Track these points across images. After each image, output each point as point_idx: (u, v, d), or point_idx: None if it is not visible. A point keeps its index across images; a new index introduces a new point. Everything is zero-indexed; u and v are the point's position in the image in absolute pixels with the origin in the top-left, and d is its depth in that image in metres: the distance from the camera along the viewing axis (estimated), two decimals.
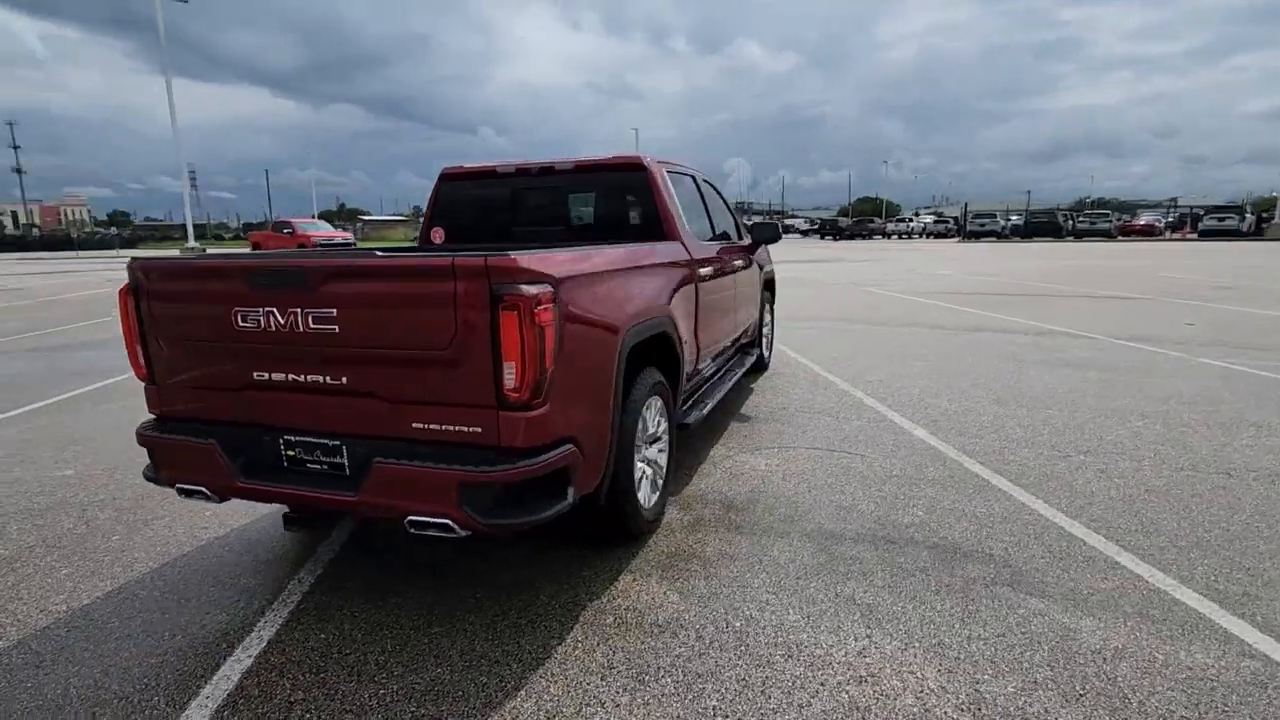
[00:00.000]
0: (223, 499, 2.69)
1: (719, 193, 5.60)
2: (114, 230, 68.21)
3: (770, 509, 3.56)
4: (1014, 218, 50.24)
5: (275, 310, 2.46)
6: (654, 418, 3.37)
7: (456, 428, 2.36)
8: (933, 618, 2.57)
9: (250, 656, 2.44)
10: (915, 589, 2.77)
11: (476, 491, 2.28)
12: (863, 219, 59.97)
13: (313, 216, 44.36)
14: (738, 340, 5.67)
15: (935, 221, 56.72)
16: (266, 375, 2.55)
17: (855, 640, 2.45)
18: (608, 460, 2.79)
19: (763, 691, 2.20)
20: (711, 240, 4.79)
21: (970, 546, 3.11)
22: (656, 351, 3.45)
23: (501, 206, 4.41)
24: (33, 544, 3.34)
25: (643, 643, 2.46)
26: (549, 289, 2.32)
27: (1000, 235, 44.56)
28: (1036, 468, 4.03)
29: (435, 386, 2.35)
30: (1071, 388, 5.85)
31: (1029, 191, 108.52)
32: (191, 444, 2.64)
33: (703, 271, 4.13)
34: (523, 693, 2.22)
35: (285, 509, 3.26)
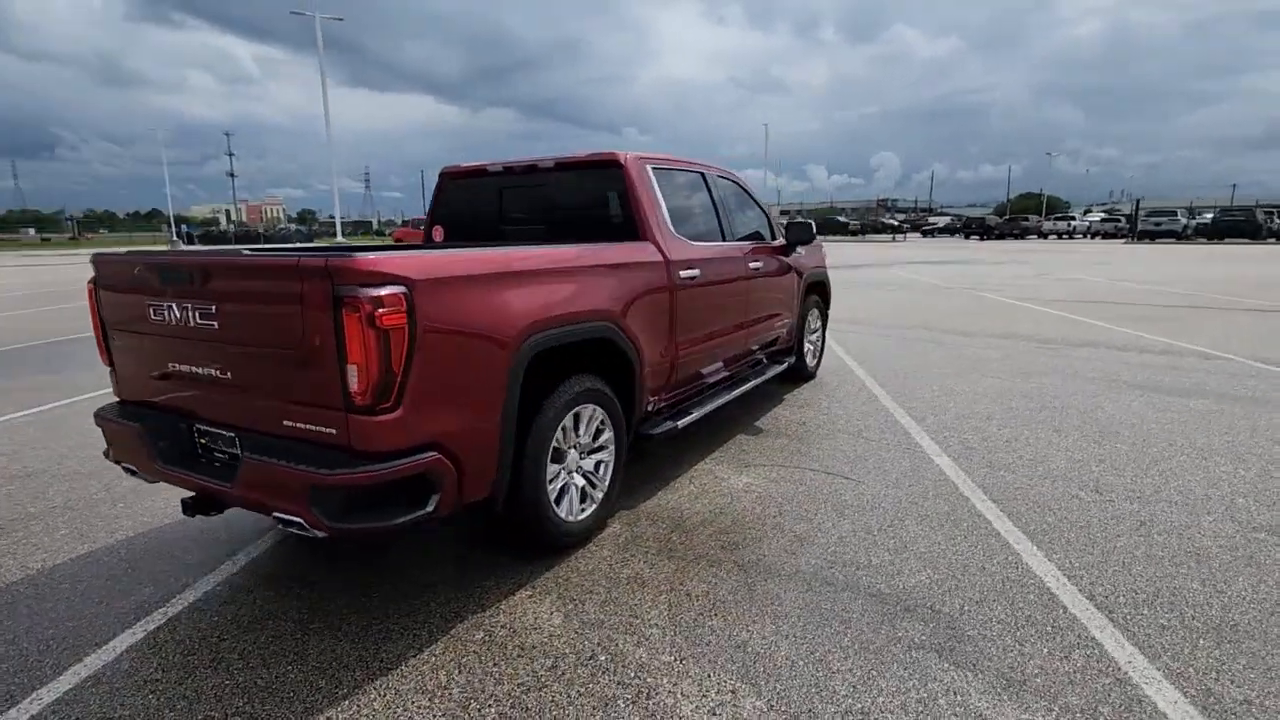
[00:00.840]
0: (152, 480, 2.87)
1: (748, 192, 5.28)
2: (293, 226, 76.88)
3: (719, 533, 3.29)
4: (1204, 215, 43.90)
5: (174, 305, 2.58)
6: (588, 427, 3.22)
7: (316, 428, 2.36)
8: (822, 679, 2.24)
9: (145, 631, 2.59)
10: (824, 642, 2.43)
11: (324, 494, 2.26)
12: (1015, 217, 54.83)
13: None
14: (764, 346, 5.34)
15: (1103, 220, 50.80)
16: (178, 367, 2.69)
17: (717, 693, 2.19)
18: (500, 469, 2.68)
19: None
20: (721, 241, 4.52)
21: (919, 599, 2.69)
22: (598, 357, 3.30)
23: (492, 205, 4.41)
24: (58, 505, 3.76)
25: (494, 665, 2.34)
26: (400, 291, 2.25)
27: (1180, 236, 39.07)
28: (1059, 512, 3.43)
29: (297, 386, 2.36)
30: (1160, 418, 4.95)
31: (1234, 185, 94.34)
32: (122, 427, 2.84)
33: (685, 274, 3.89)
34: (345, 703, 2.18)
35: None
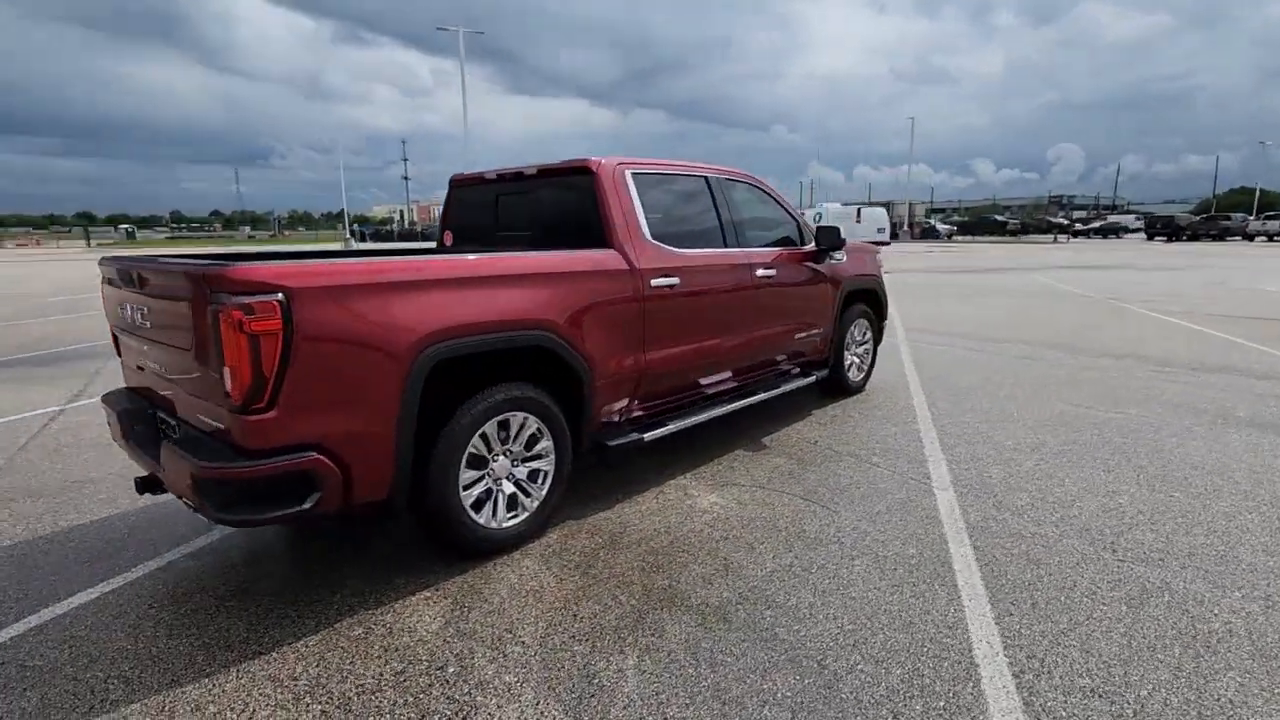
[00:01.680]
0: (130, 457, 3.24)
1: (773, 196, 5.02)
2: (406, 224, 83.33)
3: (650, 553, 3.16)
4: None
5: (129, 304, 2.90)
6: (520, 435, 3.21)
7: (214, 423, 2.56)
8: (646, 708, 2.10)
9: (100, 592, 2.93)
10: (677, 685, 2.27)
11: (207, 485, 2.44)
12: (1215, 216, 47.46)
13: None
14: (793, 357, 5.05)
15: None
16: (142, 359, 3.02)
17: (539, 718, 2.11)
18: (398, 473, 2.75)
19: None
20: (723, 248, 4.33)
21: (811, 651, 2.43)
22: (536, 365, 3.28)
23: (488, 211, 4.51)
24: (81, 480, 4.29)
25: (350, 663, 2.41)
26: (274, 299, 2.37)
27: None
28: (1045, 568, 2.96)
29: (200, 383, 2.57)
30: (1254, 464, 4.10)
31: None
32: (109, 410, 3.23)
33: (660, 282, 3.77)
34: (207, 680, 2.34)
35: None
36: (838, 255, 5.43)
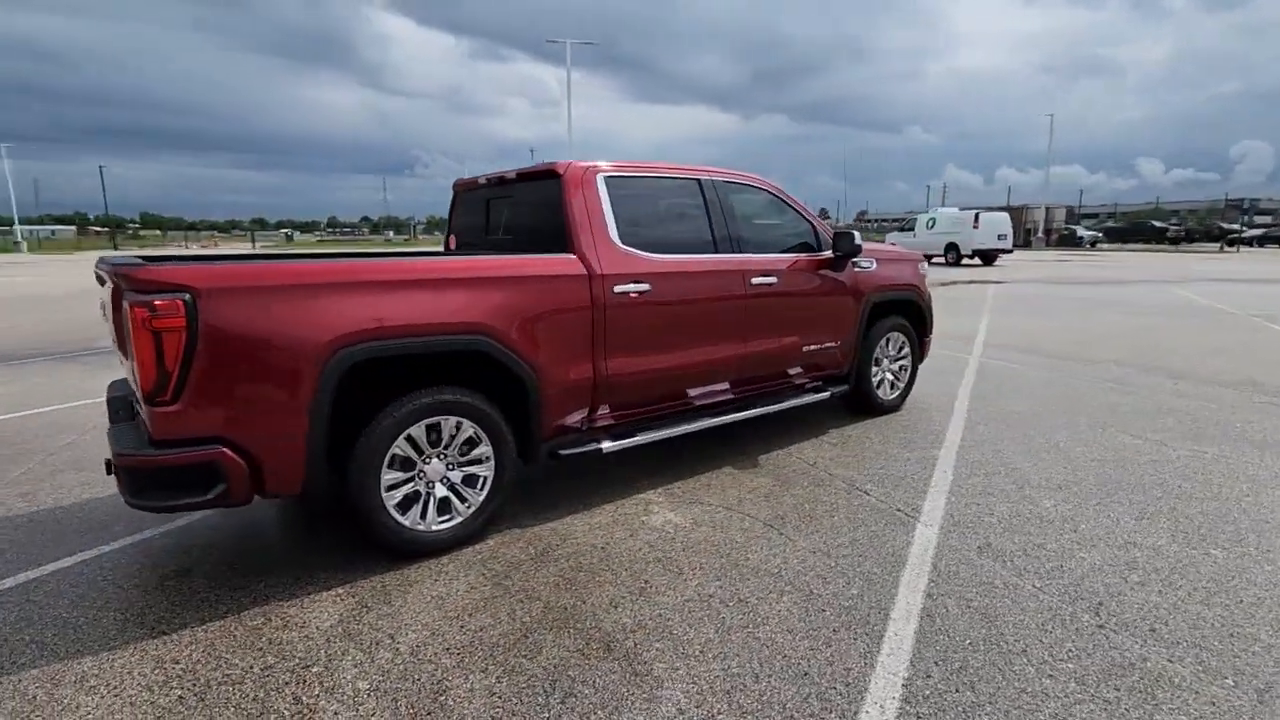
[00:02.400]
0: None
1: (786, 201, 4.73)
2: None
3: (574, 570, 3.05)
4: None
5: (102, 300, 3.17)
6: (453, 439, 3.20)
7: (141, 414, 2.73)
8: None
9: (72, 560, 3.21)
10: (517, 708, 2.16)
11: (120, 471, 2.61)
12: None
13: None
14: (808, 370, 4.75)
15: None
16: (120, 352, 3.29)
17: None
18: (311, 470, 2.82)
19: None
20: (712, 254, 4.13)
21: (668, 684, 2.23)
22: (475, 370, 3.26)
23: (481, 214, 4.55)
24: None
25: (231, 653, 2.48)
26: (178, 298, 2.50)
27: None
28: (995, 629, 2.56)
29: (132, 375, 2.75)
30: None
31: None
32: (107, 398, 3.55)
33: (624, 288, 3.65)
34: (105, 654, 2.49)
35: None
36: (864, 263, 5.04)
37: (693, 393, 4.24)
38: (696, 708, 2.16)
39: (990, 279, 18.93)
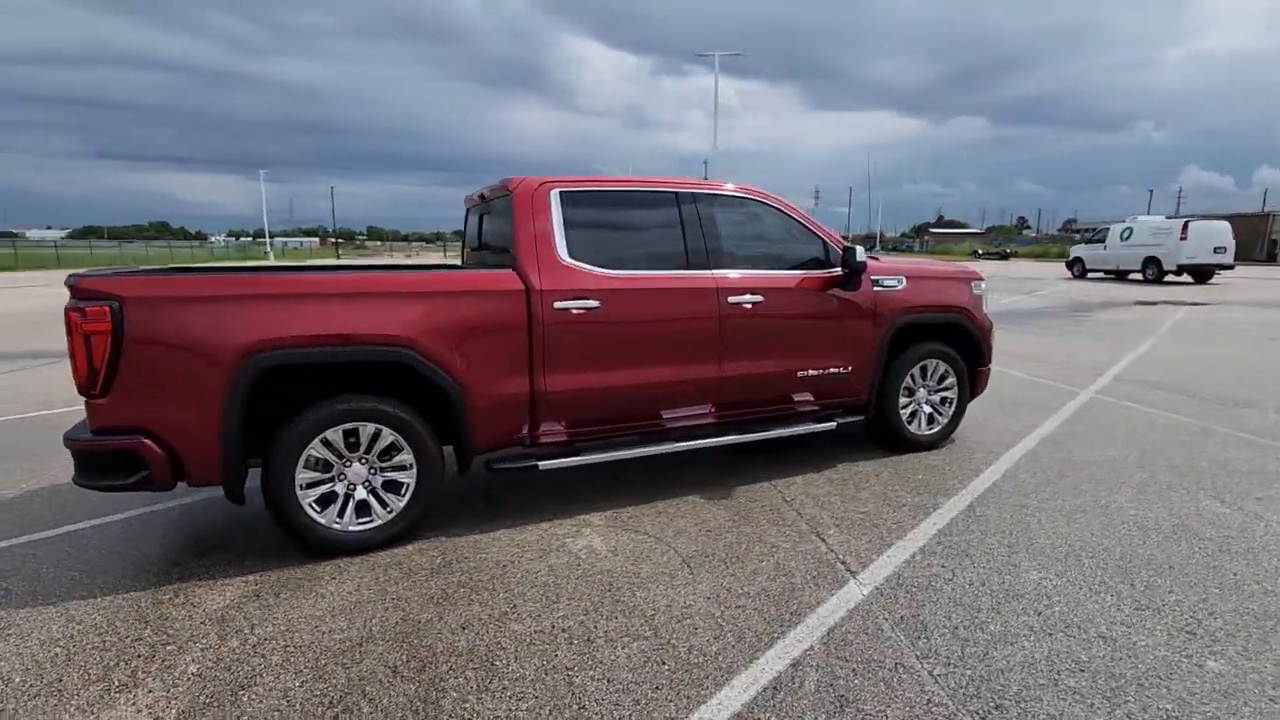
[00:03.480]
0: None
1: (787, 214, 4.38)
2: None
3: (458, 585, 3.04)
4: None
5: None
6: (373, 446, 3.33)
7: None
8: None
9: (43, 536, 3.77)
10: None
11: (72, 453, 3.03)
12: None
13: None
14: (820, 396, 4.41)
15: None
16: None
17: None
18: (225, 464, 3.07)
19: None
20: (683, 271, 3.95)
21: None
22: (401, 380, 3.36)
23: (475, 229, 4.69)
24: None
25: (111, 626, 2.75)
26: (105, 305, 2.85)
27: None
28: (851, 717, 2.17)
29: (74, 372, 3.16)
30: None
31: None
32: None
33: (566, 305, 3.60)
34: (8, 610, 2.90)
35: None
36: (888, 282, 4.53)
37: (667, 414, 4.07)
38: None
39: (1188, 300, 16.07)
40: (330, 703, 2.27)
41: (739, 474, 4.40)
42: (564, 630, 2.68)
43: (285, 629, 2.71)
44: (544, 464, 3.68)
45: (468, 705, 2.25)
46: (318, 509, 3.29)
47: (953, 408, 4.93)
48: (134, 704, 2.28)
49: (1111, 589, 2.92)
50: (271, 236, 77.37)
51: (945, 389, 4.89)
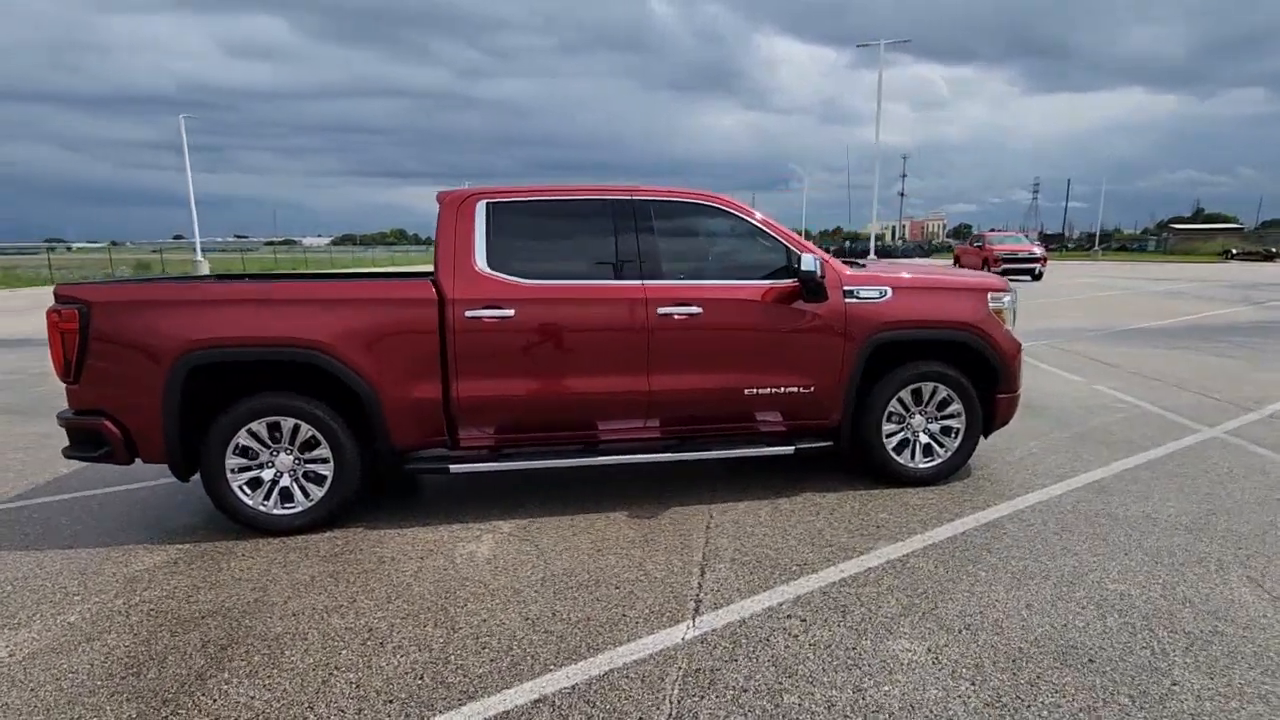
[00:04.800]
0: None
1: (749, 222, 4.07)
2: (901, 243, 78.06)
3: (326, 572, 3.25)
4: None
5: None
6: (293, 438, 3.65)
7: None
8: None
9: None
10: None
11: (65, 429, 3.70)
12: None
13: (1018, 230, 39.81)
14: (789, 417, 4.12)
15: None
16: None
17: None
18: (168, 445, 3.56)
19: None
20: (610, 280, 3.85)
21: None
22: (315, 379, 3.65)
23: None
24: None
25: (62, 580, 3.34)
26: (75, 308, 3.45)
27: None
28: None
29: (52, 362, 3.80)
30: None
31: None
32: None
33: (478, 314, 3.68)
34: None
35: None
36: (866, 293, 4.03)
37: (603, 426, 4.00)
38: None
39: None
40: (131, 666, 2.56)
41: (682, 494, 4.18)
42: (370, 631, 2.77)
43: (164, 594, 3.09)
44: (455, 467, 3.79)
45: (223, 689, 2.42)
46: (248, 492, 3.69)
47: (958, 439, 4.25)
48: (11, 640, 2.75)
49: (980, 679, 2.39)
50: None
51: (950, 416, 4.24)
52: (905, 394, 4.17)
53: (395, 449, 3.79)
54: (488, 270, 3.76)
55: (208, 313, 3.55)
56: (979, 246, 25.88)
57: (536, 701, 2.31)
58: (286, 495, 3.73)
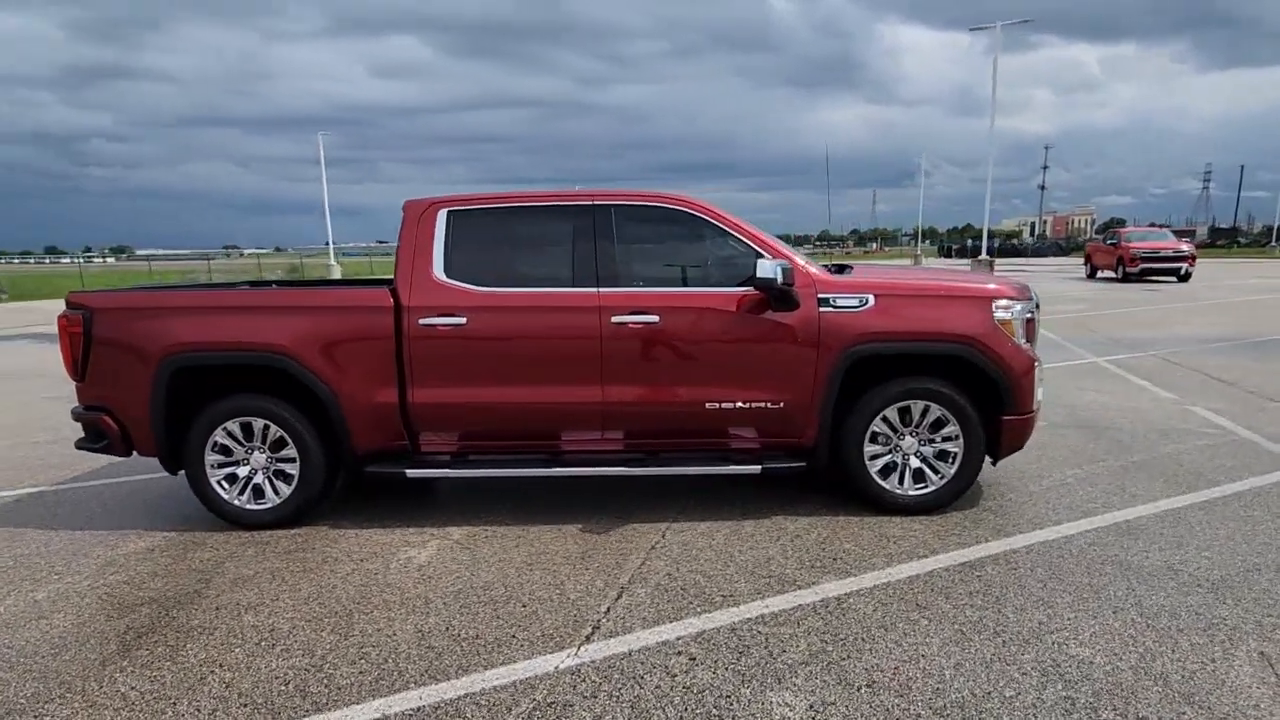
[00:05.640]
0: None
1: (718, 225, 3.83)
2: (1032, 240, 70.66)
3: (276, 569, 3.38)
4: None
5: None
6: (263, 437, 3.84)
7: None
8: None
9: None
10: None
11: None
12: None
13: (1184, 224, 34.90)
14: (764, 434, 3.88)
15: None
16: None
17: None
18: (157, 441, 3.84)
19: None
20: (568, 288, 3.76)
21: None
22: (282, 382, 3.81)
23: None
24: None
25: (53, 559, 3.68)
26: (80, 314, 3.80)
27: None
28: None
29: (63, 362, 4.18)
30: None
31: None
32: None
33: (431, 321, 3.71)
34: None
35: None
36: (845, 301, 3.69)
37: (566, 437, 3.93)
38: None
39: None
40: (58, 646, 2.77)
41: (646, 510, 4.00)
42: (272, 631, 2.84)
43: (125, 579, 3.34)
44: (412, 472, 3.84)
45: (114, 677, 2.55)
46: (226, 486, 3.92)
47: (955, 464, 3.79)
48: None
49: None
50: None
51: (944, 439, 3.79)
52: (892, 413, 3.77)
53: (357, 452, 3.90)
54: (444, 278, 3.78)
55: (188, 319, 3.81)
56: (1113, 244, 23.23)
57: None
58: (259, 492, 3.93)
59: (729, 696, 2.33)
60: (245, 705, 2.37)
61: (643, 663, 2.54)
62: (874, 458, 3.82)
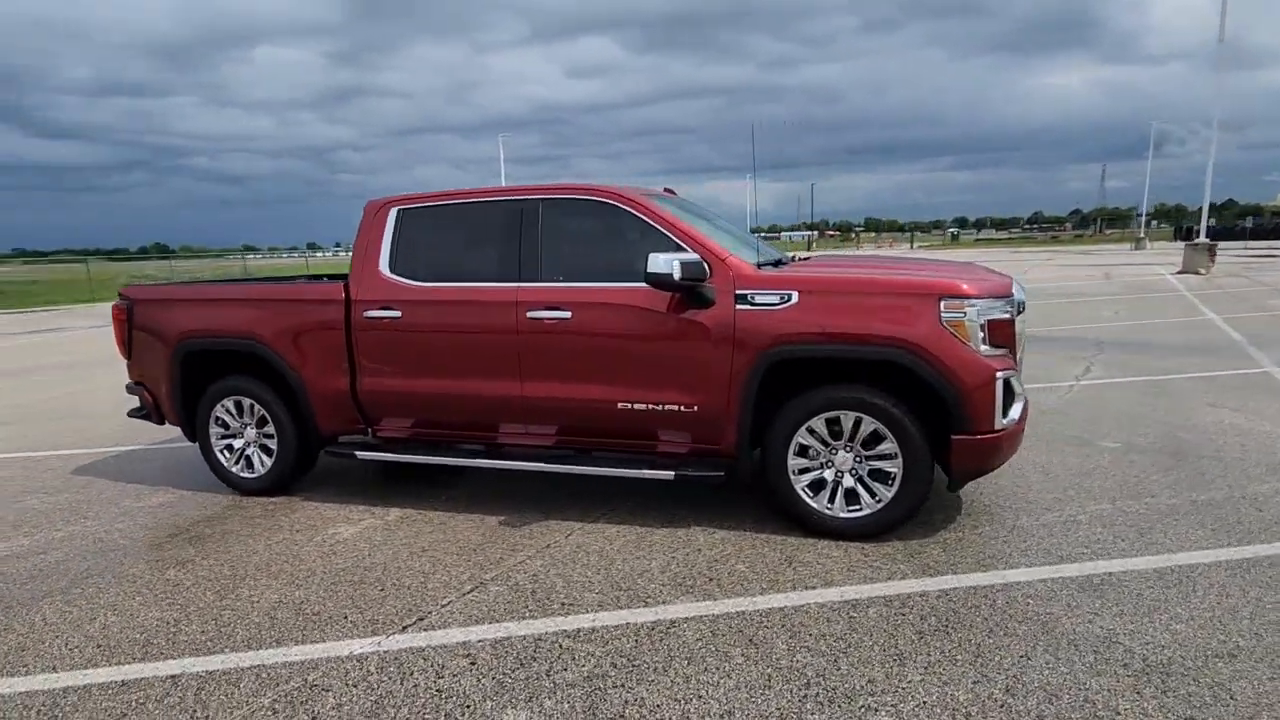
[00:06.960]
0: None
1: (640, 218, 3.64)
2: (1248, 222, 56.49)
3: (249, 528, 3.83)
4: None
5: None
6: (253, 415, 4.34)
7: None
8: None
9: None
10: None
11: None
12: None
13: None
14: (697, 438, 3.65)
15: None
16: None
17: None
18: (177, 414, 4.51)
19: None
20: (494, 283, 3.81)
21: None
22: (262, 368, 4.27)
23: None
24: None
25: (71, 512, 4.45)
26: (124, 304, 4.56)
27: None
28: None
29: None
30: None
31: None
32: None
33: (374, 314, 3.95)
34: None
35: None
36: (765, 298, 3.35)
37: (490, 429, 4.02)
38: None
39: None
40: (19, 580, 3.35)
41: (571, 507, 3.95)
42: (175, 586, 3.22)
43: (122, 529, 3.96)
44: (361, 454, 4.13)
45: (15, 616, 3.02)
46: (228, 456, 4.50)
47: (894, 486, 3.28)
48: (11, 540, 3.81)
49: None
50: (779, 231, 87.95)
51: (883, 455, 3.29)
52: (819, 425, 3.35)
53: (321, 431, 4.27)
54: (388, 273, 4.00)
55: (194, 310, 4.43)
56: None
57: (163, 679, 2.52)
58: (249, 462, 4.45)
59: (465, 706, 2.27)
60: (70, 647, 2.72)
61: (425, 659, 2.55)
62: (802, 471, 3.43)
